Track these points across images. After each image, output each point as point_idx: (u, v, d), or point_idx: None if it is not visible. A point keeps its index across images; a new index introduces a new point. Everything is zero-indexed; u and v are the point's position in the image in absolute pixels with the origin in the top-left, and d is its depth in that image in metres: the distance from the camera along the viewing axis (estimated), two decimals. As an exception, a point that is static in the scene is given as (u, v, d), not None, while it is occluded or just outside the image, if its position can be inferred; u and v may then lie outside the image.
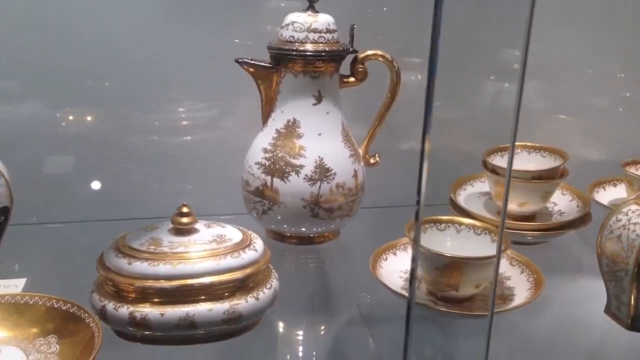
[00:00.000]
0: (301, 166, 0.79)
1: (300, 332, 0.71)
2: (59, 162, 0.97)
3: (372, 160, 0.88)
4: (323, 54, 0.79)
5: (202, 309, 0.59)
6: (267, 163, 0.80)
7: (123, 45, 0.90)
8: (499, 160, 0.92)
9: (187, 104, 1.02)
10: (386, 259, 0.76)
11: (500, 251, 0.64)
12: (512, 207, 0.88)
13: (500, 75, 1.11)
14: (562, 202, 0.93)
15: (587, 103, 1.16)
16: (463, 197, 0.94)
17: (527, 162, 0.92)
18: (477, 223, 0.74)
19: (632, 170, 0.96)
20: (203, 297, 0.59)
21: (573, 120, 1.16)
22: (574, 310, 0.74)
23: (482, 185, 0.96)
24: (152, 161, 0.97)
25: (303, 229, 0.82)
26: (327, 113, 0.81)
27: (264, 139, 0.82)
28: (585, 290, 0.74)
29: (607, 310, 0.69)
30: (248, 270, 0.61)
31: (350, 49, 0.82)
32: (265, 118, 0.84)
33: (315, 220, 0.80)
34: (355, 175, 0.82)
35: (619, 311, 0.67)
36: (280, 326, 0.70)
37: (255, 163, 0.81)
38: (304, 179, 0.79)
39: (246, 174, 0.82)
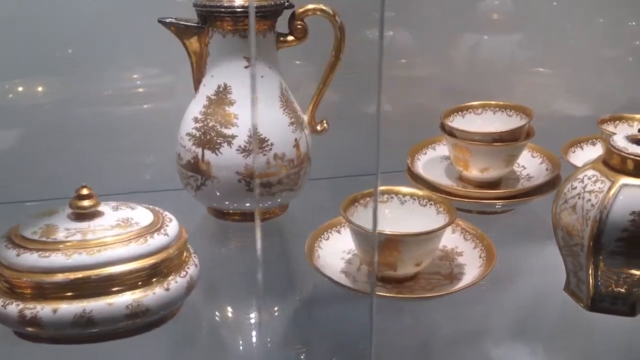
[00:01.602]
0: (233, 136, 0.72)
1: (226, 322, 0.65)
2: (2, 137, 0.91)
3: (319, 127, 0.81)
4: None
5: (101, 304, 0.53)
6: (197, 134, 0.73)
7: (67, 11, 0.83)
8: (459, 121, 0.85)
9: (140, 71, 0.95)
10: (328, 238, 0.69)
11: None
12: (474, 173, 0.81)
13: (476, 27, 1.03)
14: (531, 166, 0.86)
15: (570, 56, 1.07)
16: (422, 163, 0.87)
17: (491, 122, 0.84)
18: (420, 192, 0.68)
19: (610, 127, 0.89)
20: (102, 291, 0.53)
21: (556, 73, 1.07)
22: (533, 287, 0.68)
23: (445, 148, 0.89)
24: (103, 133, 0.90)
25: (240, 205, 0.76)
26: (262, 77, 0.74)
27: (195, 107, 0.75)
28: (547, 264, 0.68)
29: (567, 287, 0.63)
30: (156, 258, 0.56)
31: (286, 4, 0.75)
32: (197, 84, 0.77)
33: (252, 195, 0.74)
34: (296, 145, 0.75)
35: (578, 289, 0.61)
36: (204, 317, 0.65)
37: (187, 134, 0.75)
38: (237, 150, 0.72)
39: (178, 147, 0.76)
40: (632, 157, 0.55)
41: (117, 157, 0.91)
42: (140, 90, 0.95)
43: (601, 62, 1.07)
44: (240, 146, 0.72)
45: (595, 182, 0.57)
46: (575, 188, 0.58)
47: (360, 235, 0.61)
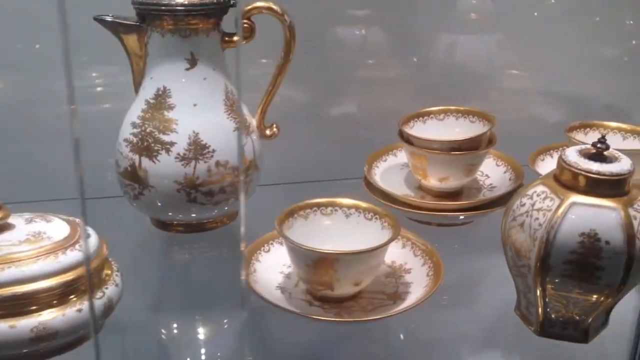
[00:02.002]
0: (172, 143, 0.68)
1: (151, 340, 0.61)
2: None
3: (268, 132, 0.77)
4: (194, 8, 0.67)
5: (3, 326, 0.49)
6: (135, 140, 0.69)
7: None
8: (420, 128, 0.81)
9: (99, 69, 0.91)
10: (268, 251, 0.65)
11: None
12: (433, 182, 0.77)
13: (453, 27, 0.98)
14: (495, 175, 0.83)
15: (547, 59, 1.03)
16: (381, 170, 0.83)
17: (452, 128, 0.80)
18: (364, 205, 0.64)
19: (579, 135, 0.85)
20: (4, 313, 0.49)
21: (531, 76, 1.03)
22: (484, 307, 0.64)
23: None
24: (61, 134, 0.85)
25: (181, 216, 0.71)
26: (205, 79, 0.70)
27: (134, 111, 0.71)
28: (501, 282, 0.64)
29: (517, 309, 0.59)
30: (67, 276, 0.52)
31: (232, 2, 0.70)
32: (137, 86, 0.72)
33: (193, 205, 0.70)
34: (242, 151, 0.71)
35: (528, 312, 0.57)
36: (128, 338, 0.61)
37: (124, 140, 0.71)
38: (176, 158, 0.68)
39: (117, 153, 0.72)
40: (583, 173, 0.51)
41: (58, 161, 0.86)
42: (93, 89, 0.90)
43: (579, 66, 1.03)
44: (179, 154, 0.68)
45: (544, 199, 0.52)
46: (524, 205, 0.54)
47: (295, 250, 0.57)
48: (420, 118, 0.81)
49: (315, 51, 0.91)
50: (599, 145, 0.52)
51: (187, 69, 0.69)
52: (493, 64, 1.01)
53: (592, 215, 0.50)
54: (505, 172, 0.81)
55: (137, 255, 0.77)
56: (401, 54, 0.96)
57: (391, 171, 0.83)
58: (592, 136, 0.85)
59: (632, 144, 0.83)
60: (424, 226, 0.77)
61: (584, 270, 0.50)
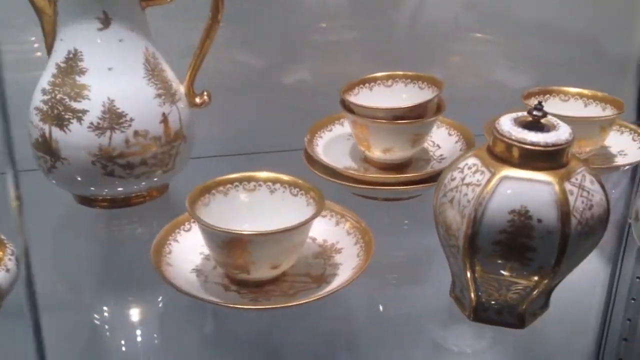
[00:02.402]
0: (84, 111, 0.63)
1: (73, 321, 0.57)
2: None
3: (198, 100, 0.72)
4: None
5: None
6: (45, 108, 0.64)
7: None
8: (365, 94, 0.75)
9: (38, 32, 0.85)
10: (189, 229, 0.60)
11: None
12: (377, 154, 0.72)
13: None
14: (446, 145, 0.78)
15: (514, 21, 0.98)
16: (325, 141, 0.78)
17: (399, 95, 0.75)
18: (286, 179, 0.59)
19: (535, 102, 0.80)
20: None
21: (496, 40, 0.98)
22: (418, 289, 0.60)
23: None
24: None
25: (98, 191, 0.66)
26: (121, 41, 0.64)
27: (45, 76, 0.65)
28: (440, 263, 0.59)
29: (452, 292, 0.55)
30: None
31: (151, -45, 0.64)
32: (49, 49, 0.67)
33: (111, 179, 0.65)
34: (164, 120, 0.66)
35: (462, 295, 0.53)
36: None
37: (35, 108, 0.65)
38: (89, 127, 0.63)
39: (28, 122, 0.66)
40: (516, 143, 0.46)
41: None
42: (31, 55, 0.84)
43: (547, 29, 0.98)
44: (92, 123, 0.63)
45: (474, 172, 0.48)
46: (455, 179, 0.49)
47: (206, 231, 0.52)
48: (366, 84, 0.76)
49: (267, 14, 0.85)
50: (534, 112, 0.47)
51: (100, 30, 0.63)
52: (457, 26, 0.95)
53: (524, 191, 0.45)
54: (457, 142, 0.77)
55: (59, 233, 0.73)
56: (359, 16, 0.91)
57: (336, 142, 0.78)
58: (552, 103, 0.81)
59: (594, 110, 0.78)
60: (370, 201, 0.73)
61: (515, 251, 0.46)
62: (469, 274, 0.49)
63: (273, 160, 0.85)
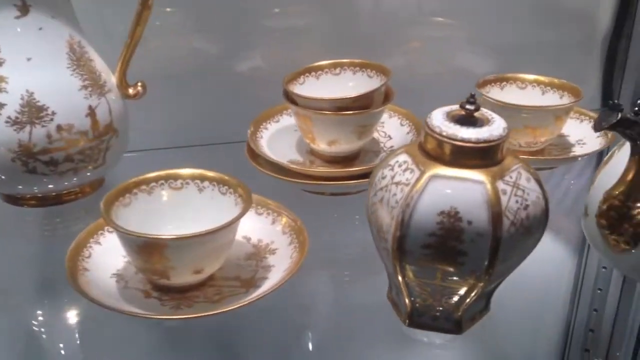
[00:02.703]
0: (1, 105, 0.59)
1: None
2: None
3: (131, 91, 0.68)
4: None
5: None
6: (-41, 101, 0.60)
7: None
8: (311, 84, 0.72)
9: None
10: (114, 230, 0.57)
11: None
12: (322, 146, 0.69)
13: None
14: (398, 136, 0.75)
15: (478, 4, 0.94)
16: (271, 133, 0.75)
17: (346, 83, 0.72)
18: (212, 175, 0.55)
19: (494, 90, 0.77)
20: None
21: (459, 24, 0.94)
22: (356, 293, 0.57)
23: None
24: None
25: (21, 188, 0.63)
26: (40, 29, 0.60)
27: (-39, 67, 0.61)
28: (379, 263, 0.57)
29: (389, 294, 0.52)
30: None
31: None
32: (-34, 38, 0.62)
33: (34, 177, 0.61)
34: (91, 114, 0.62)
35: (398, 299, 0.50)
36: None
37: (-49, 102, 0.61)
38: (7, 122, 0.59)
39: (-55, 117, 0.62)
40: (447, 140, 0.44)
41: None
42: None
43: (512, 12, 0.95)
44: (10, 117, 0.59)
45: (404, 170, 0.45)
46: (385, 177, 0.46)
47: (120, 236, 0.49)
48: (313, 73, 0.73)
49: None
50: (467, 106, 0.44)
51: (18, 17, 0.59)
52: (419, 10, 0.92)
53: (454, 191, 0.42)
54: (408, 133, 0.74)
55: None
56: (314, 1, 0.87)
57: (283, 134, 0.75)
58: (509, 91, 0.78)
59: (552, 98, 0.76)
60: (317, 197, 0.70)
61: (445, 255, 0.43)
62: (400, 279, 0.46)
63: (222, 153, 0.82)
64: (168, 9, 0.81)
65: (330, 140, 0.68)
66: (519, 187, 0.43)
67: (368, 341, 0.52)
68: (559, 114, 0.70)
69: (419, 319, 0.49)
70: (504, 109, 0.71)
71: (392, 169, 0.46)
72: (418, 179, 0.43)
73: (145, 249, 0.47)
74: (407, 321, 0.49)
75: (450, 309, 0.47)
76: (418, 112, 0.76)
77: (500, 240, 0.42)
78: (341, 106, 0.65)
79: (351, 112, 0.65)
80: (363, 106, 0.66)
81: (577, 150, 0.74)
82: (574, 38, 0.97)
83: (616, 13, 0.93)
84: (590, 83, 0.98)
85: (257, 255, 0.56)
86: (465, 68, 0.96)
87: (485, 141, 0.43)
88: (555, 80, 0.75)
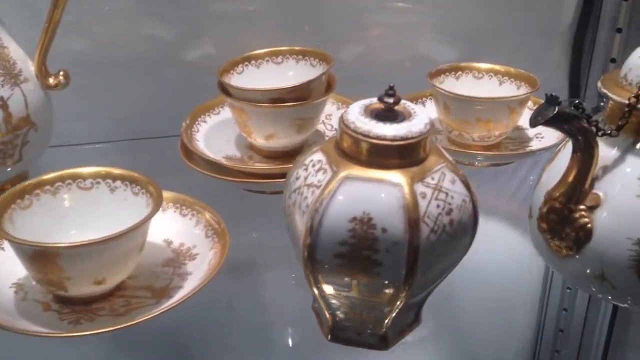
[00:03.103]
0: None
1: None
2: None
3: (52, 81, 0.63)
4: None
5: None
6: None
7: None
8: (251, 73, 0.68)
9: None
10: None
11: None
12: (260, 141, 0.65)
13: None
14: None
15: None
16: (210, 126, 0.71)
17: (287, 72, 0.68)
18: (117, 172, 0.51)
19: (448, 81, 0.73)
20: None
21: (422, 10, 0.90)
22: (281, 302, 0.53)
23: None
24: None
25: None
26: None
27: None
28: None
29: (313, 306, 0.48)
30: None
31: None
32: None
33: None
34: (3, 105, 0.58)
35: (321, 311, 0.46)
36: None
37: None
38: None
39: None
40: (362, 137, 0.39)
41: None
42: None
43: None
44: None
45: (317, 171, 0.41)
46: (299, 178, 0.42)
47: (12, 244, 0.44)
48: (253, 62, 0.69)
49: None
50: (385, 98, 0.40)
51: None
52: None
53: (368, 194, 0.38)
54: (355, 126, 0.69)
55: None
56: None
57: (223, 127, 0.71)
58: (465, 80, 0.74)
59: (509, 89, 0.72)
60: (258, 196, 0.66)
61: (359, 266, 0.39)
62: (315, 291, 0.42)
63: (165, 147, 0.77)
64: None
65: (267, 135, 0.64)
66: (441, 190, 0.39)
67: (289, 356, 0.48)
68: (513, 105, 0.66)
69: (341, 333, 0.45)
70: (455, 100, 0.67)
71: (306, 169, 0.42)
72: (329, 181, 0.39)
73: (37, 258, 0.43)
74: (330, 336, 0.45)
75: (374, 323, 0.44)
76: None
77: (418, 250, 0.38)
78: (276, 98, 0.61)
79: (288, 104, 0.61)
80: (301, 97, 0.62)
81: (535, 145, 0.70)
82: (541, 26, 0.93)
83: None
84: (559, 73, 0.95)
85: (176, 262, 0.52)
86: (428, 55, 0.92)
87: (402, 138, 0.39)
88: (512, 70, 0.71)
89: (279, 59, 0.69)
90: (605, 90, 0.46)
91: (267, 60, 0.69)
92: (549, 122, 0.42)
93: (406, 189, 0.38)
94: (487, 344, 0.55)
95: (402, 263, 0.38)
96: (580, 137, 0.43)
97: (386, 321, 0.43)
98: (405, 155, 0.39)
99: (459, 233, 0.40)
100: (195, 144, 0.66)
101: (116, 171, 0.50)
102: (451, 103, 0.67)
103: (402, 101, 0.41)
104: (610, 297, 0.46)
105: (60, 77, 0.64)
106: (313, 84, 0.62)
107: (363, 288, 0.40)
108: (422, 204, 0.38)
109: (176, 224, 0.55)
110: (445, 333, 0.48)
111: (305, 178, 0.41)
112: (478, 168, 0.70)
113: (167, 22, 0.80)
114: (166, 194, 0.55)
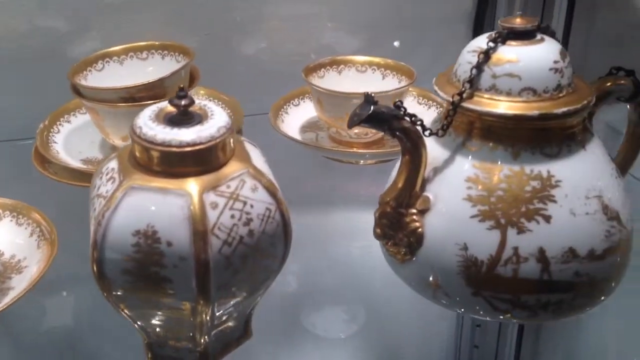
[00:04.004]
0: None
1: None
2: None
3: None
4: None
5: None
6: None
7: None
8: (110, 71, 0.65)
9: None
10: None
11: None
12: (117, 142, 0.62)
13: None
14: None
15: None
16: (73, 127, 0.68)
17: (147, 67, 0.65)
18: None
19: (330, 75, 0.71)
20: None
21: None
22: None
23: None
24: None
25: None
26: None
27: None
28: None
29: (137, 320, 0.46)
30: None
31: None
32: None
33: None
34: None
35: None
36: None
37: None
38: None
39: None
40: (147, 144, 0.37)
41: None
42: None
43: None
44: None
45: (108, 180, 0.38)
46: (95, 187, 0.40)
47: None
48: (115, 58, 0.66)
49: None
50: (175, 101, 0.37)
51: None
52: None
53: (152, 206, 0.36)
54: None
55: None
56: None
57: (88, 127, 0.68)
58: (348, 75, 0.72)
59: (392, 82, 0.70)
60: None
61: (148, 283, 0.36)
62: (118, 309, 0.39)
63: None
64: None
65: (124, 136, 0.61)
66: (237, 199, 0.37)
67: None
68: (386, 101, 0.64)
69: (160, 350, 0.43)
70: (327, 96, 0.65)
71: (101, 178, 0.39)
72: (115, 191, 0.36)
73: None
74: (149, 354, 0.43)
75: (190, 340, 0.41)
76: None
77: (208, 264, 0.36)
78: (127, 97, 0.58)
79: (140, 103, 0.58)
80: (156, 95, 0.59)
81: (415, 140, 0.68)
82: (444, 13, 0.91)
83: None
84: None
85: (2, 275, 0.49)
86: (331, 48, 0.89)
87: (189, 144, 0.36)
88: (390, 62, 0.70)
89: (144, 54, 0.66)
90: (436, 87, 0.44)
91: (132, 57, 0.66)
92: (365, 122, 0.40)
93: (193, 199, 0.36)
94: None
95: (191, 279, 0.36)
96: (404, 138, 0.42)
97: (202, 339, 0.41)
98: (198, 162, 0.37)
99: (264, 244, 0.38)
100: (51, 147, 0.63)
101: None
102: (324, 99, 0.65)
103: (203, 103, 0.39)
104: (445, 304, 0.44)
105: None
106: (168, 80, 0.59)
107: (161, 305, 0.38)
108: (212, 214, 0.36)
109: (11, 234, 0.52)
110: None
111: (98, 187, 0.39)
112: (364, 166, 0.69)
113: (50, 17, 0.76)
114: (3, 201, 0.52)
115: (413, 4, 0.89)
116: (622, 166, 0.49)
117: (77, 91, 0.60)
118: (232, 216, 0.37)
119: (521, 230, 0.41)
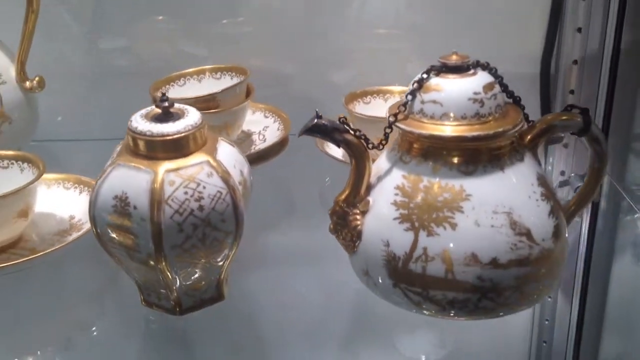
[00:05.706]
0: None
1: None
2: None
3: (28, 84, 0.79)
4: None
5: None
6: None
7: None
8: (190, 86, 0.80)
9: None
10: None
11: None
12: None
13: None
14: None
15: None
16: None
17: (217, 85, 0.79)
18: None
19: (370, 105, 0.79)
20: None
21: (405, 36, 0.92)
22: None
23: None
24: None
25: None
26: None
27: None
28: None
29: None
30: None
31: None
32: None
33: None
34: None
35: (140, 278, 0.57)
36: None
37: None
38: None
39: None
40: (135, 135, 0.50)
41: None
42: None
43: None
44: None
45: (110, 158, 0.52)
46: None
47: None
48: (195, 76, 0.80)
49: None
50: (159, 103, 0.51)
51: None
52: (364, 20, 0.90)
53: (127, 178, 0.49)
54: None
55: None
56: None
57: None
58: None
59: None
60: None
61: (121, 235, 0.49)
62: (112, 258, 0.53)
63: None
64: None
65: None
66: (193, 180, 0.48)
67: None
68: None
69: (148, 297, 0.55)
70: (359, 119, 0.74)
71: (111, 157, 0.53)
72: (108, 166, 0.50)
73: None
74: (141, 297, 0.55)
75: (165, 289, 0.53)
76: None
77: (160, 225, 0.47)
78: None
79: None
80: (211, 107, 0.72)
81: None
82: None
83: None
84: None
85: (67, 232, 0.65)
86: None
87: (159, 135, 0.49)
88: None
89: (217, 74, 0.80)
90: (388, 110, 0.52)
91: (208, 76, 0.80)
92: (308, 132, 0.49)
93: (157, 177, 0.48)
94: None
95: (149, 236, 0.48)
96: (349, 149, 0.50)
97: (172, 292, 0.53)
98: (168, 149, 0.49)
99: (213, 219, 0.49)
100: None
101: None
102: (356, 122, 0.74)
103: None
104: (376, 293, 0.52)
105: (35, 83, 0.79)
106: (219, 95, 0.72)
107: (135, 258, 0.50)
108: (169, 189, 0.48)
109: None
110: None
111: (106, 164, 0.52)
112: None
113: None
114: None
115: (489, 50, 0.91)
116: (583, 198, 0.53)
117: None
118: (186, 192, 0.48)
119: (430, 234, 0.47)
